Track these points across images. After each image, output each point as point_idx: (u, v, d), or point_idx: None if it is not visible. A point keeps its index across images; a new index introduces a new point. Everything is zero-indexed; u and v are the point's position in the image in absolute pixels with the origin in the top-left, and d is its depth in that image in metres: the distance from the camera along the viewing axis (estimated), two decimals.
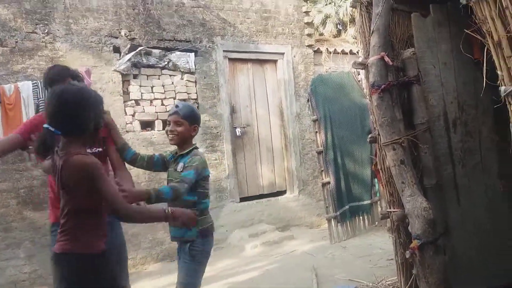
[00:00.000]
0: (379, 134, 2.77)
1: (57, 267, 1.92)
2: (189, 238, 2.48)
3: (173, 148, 2.75)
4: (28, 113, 4.47)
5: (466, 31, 2.53)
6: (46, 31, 5.24)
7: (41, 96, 4.56)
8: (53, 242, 2.25)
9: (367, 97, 5.75)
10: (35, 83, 4.61)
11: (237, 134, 6.56)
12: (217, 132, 6.36)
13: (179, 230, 2.48)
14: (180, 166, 2.54)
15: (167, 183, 2.60)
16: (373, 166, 3.15)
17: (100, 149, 2.73)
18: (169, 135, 2.62)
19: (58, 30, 5.31)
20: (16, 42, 5.06)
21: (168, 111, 5.84)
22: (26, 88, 4.54)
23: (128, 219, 1.95)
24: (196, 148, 2.64)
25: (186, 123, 2.58)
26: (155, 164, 2.74)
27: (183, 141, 2.61)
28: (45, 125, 1.83)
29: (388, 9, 2.81)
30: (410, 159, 2.68)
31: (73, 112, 1.85)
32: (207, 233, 2.55)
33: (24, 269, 4.82)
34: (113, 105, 5.56)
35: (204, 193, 2.57)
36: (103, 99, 2.06)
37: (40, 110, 4.53)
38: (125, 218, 1.93)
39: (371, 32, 2.86)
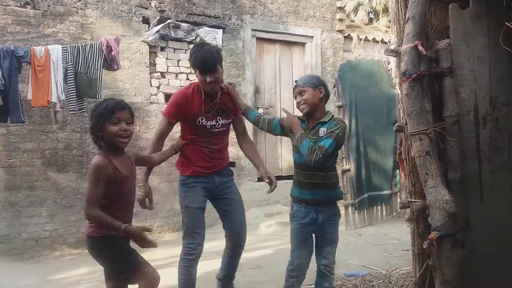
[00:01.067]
0: (406, 124, 2.73)
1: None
2: (334, 199, 2.74)
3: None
4: (56, 76, 4.55)
5: (507, 24, 2.45)
6: None
7: (69, 60, 4.63)
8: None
9: (397, 85, 5.68)
10: (65, 47, 4.67)
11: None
12: None
13: (321, 192, 2.66)
14: (323, 131, 2.59)
15: (294, 148, 2.74)
16: (397, 156, 3.12)
17: (229, 121, 3.05)
18: (300, 107, 2.68)
19: None
20: (48, 5, 5.13)
21: None
22: (56, 51, 4.61)
23: (89, 220, 2.28)
24: (333, 115, 2.70)
25: (309, 88, 2.63)
26: (274, 128, 2.85)
27: (314, 108, 2.65)
28: None
29: None
30: (435, 151, 2.64)
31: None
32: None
33: (45, 227, 4.99)
34: (139, 76, 5.62)
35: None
36: (116, 104, 2.28)
37: (68, 74, 4.60)
38: (87, 218, 2.27)
39: (406, 19, 2.80)
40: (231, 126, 3.13)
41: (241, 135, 3.17)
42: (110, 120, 2.23)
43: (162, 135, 3.00)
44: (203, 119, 2.91)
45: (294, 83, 2.75)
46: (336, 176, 2.74)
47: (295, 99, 2.72)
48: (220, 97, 2.96)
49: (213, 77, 2.79)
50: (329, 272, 2.75)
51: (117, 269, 2.37)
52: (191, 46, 6.00)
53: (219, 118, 2.95)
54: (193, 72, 6.11)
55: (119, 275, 2.38)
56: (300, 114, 2.75)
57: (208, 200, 3.06)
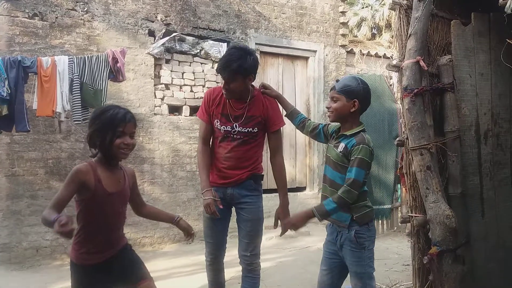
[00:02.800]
0: (407, 138, 2.76)
1: None
2: (342, 224, 2.40)
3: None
4: (62, 86, 4.59)
5: (508, 41, 2.49)
6: (85, 9, 5.36)
7: (75, 71, 4.67)
8: None
9: (399, 100, 5.71)
10: (71, 58, 4.73)
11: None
12: None
13: (338, 214, 2.39)
14: (341, 146, 2.36)
15: (326, 160, 2.53)
16: (398, 170, 3.13)
17: (256, 130, 2.74)
18: (328, 112, 2.50)
19: (97, 9, 5.43)
20: (56, 17, 5.20)
21: (196, 98, 5.95)
22: (62, 62, 4.66)
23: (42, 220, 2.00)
24: (364, 131, 2.41)
25: (343, 98, 2.39)
26: (317, 135, 2.66)
27: (341, 118, 2.43)
28: None
29: (427, 14, 2.78)
30: (436, 166, 2.66)
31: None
32: (365, 219, 2.40)
33: (46, 236, 4.98)
34: (143, 87, 5.67)
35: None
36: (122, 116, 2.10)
37: (74, 84, 4.65)
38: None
39: (408, 35, 2.84)
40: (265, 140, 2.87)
41: (271, 152, 2.87)
42: (113, 132, 2.06)
43: (203, 139, 2.83)
44: (218, 122, 2.75)
45: (335, 83, 2.50)
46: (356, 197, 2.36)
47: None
48: (249, 104, 2.73)
49: (227, 85, 2.64)
50: None
51: None
52: (196, 59, 6.09)
53: (235, 125, 2.71)
54: (198, 85, 6.19)
55: None
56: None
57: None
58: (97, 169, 2.05)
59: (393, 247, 5.38)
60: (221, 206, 2.67)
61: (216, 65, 6.15)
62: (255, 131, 2.74)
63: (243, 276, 2.89)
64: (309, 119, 2.77)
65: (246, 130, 2.71)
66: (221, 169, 2.77)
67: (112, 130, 2.05)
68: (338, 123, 2.51)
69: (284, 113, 2.83)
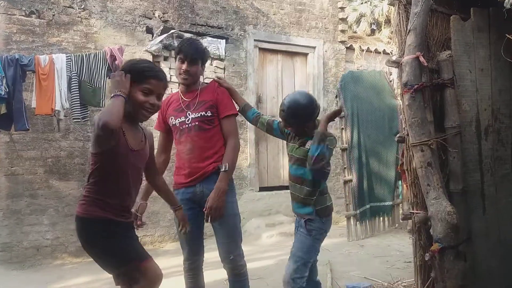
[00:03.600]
0: (407, 135, 2.74)
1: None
2: (305, 216, 2.56)
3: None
4: (60, 84, 4.58)
5: (508, 36, 2.47)
6: (82, 7, 5.34)
7: (73, 69, 4.66)
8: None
9: (398, 96, 5.70)
10: (69, 56, 4.71)
11: None
12: (242, 120, 6.37)
13: (301, 208, 2.58)
14: (309, 144, 2.48)
15: (290, 158, 2.63)
16: (398, 167, 3.12)
17: (209, 114, 2.69)
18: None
19: (94, 6, 5.40)
20: (53, 15, 5.17)
21: None
22: (60, 60, 4.65)
23: (104, 123, 1.80)
24: None
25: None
26: (273, 130, 2.79)
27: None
28: None
29: (427, 9, 2.76)
30: (437, 162, 2.64)
31: None
32: (325, 213, 2.59)
33: (46, 236, 4.98)
34: None
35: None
36: None
37: (72, 82, 4.63)
38: (102, 124, 1.80)
39: (407, 31, 2.81)
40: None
41: (224, 137, 2.72)
42: (141, 86, 1.96)
43: (160, 148, 2.87)
44: (172, 118, 2.73)
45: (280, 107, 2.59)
46: (312, 193, 2.55)
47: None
48: (201, 91, 2.73)
49: (188, 67, 2.63)
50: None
51: (113, 262, 1.98)
52: None
53: (188, 113, 2.67)
54: None
55: (115, 270, 2.00)
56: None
57: None
58: (123, 122, 1.89)
59: (395, 244, 5.38)
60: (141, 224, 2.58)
61: (215, 62, 6.14)
62: (209, 114, 2.67)
63: (230, 281, 2.76)
64: (263, 114, 2.90)
65: (199, 114, 2.65)
66: (185, 164, 2.68)
67: (140, 83, 1.97)
68: None
69: (238, 108, 2.84)
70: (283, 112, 2.54)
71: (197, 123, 2.66)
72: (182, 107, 2.71)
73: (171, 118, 2.74)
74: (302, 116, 2.52)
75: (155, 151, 2.65)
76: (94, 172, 1.99)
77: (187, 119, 2.67)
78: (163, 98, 2.26)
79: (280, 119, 2.66)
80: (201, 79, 2.89)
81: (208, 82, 2.94)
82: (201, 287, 2.88)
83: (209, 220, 2.58)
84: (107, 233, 1.95)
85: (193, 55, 2.64)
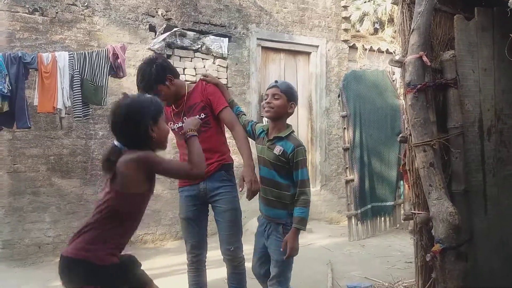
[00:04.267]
0: (410, 135, 2.73)
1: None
2: (279, 220, 2.52)
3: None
4: (63, 82, 4.58)
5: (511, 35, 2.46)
6: (85, 4, 5.34)
7: (76, 67, 4.66)
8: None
9: (401, 96, 5.68)
10: (71, 54, 4.71)
11: (264, 123, 6.56)
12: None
13: (271, 211, 2.56)
14: (278, 149, 2.50)
15: (259, 160, 2.61)
16: (401, 167, 3.11)
17: (203, 116, 2.77)
18: (265, 107, 2.57)
19: (97, 4, 5.40)
20: (57, 12, 5.17)
21: None
22: (62, 58, 4.64)
23: (199, 169, 1.99)
24: (293, 131, 2.60)
25: (284, 97, 2.54)
26: (247, 131, 2.78)
27: (278, 116, 2.56)
28: (114, 142, 1.88)
29: (430, 9, 2.75)
30: (440, 163, 2.63)
31: (133, 127, 1.85)
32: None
33: (48, 233, 4.99)
34: None
35: None
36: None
37: (75, 80, 4.63)
38: (197, 173, 1.99)
39: (411, 30, 2.80)
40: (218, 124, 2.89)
41: (229, 128, 2.85)
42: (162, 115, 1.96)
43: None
44: (171, 123, 2.85)
45: (275, 82, 2.62)
46: (288, 197, 2.53)
47: (265, 97, 2.62)
48: (189, 95, 2.82)
49: (154, 93, 2.64)
50: None
51: None
52: (197, 54, 6.05)
53: (184, 119, 2.76)
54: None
55: None
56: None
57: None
58: None
59: (396, 244, 5.37)
60: None
61: (217, 61, 6.14)
62: (203, 117, 2.75)
63: (229, 273, 2.87)
64: (244, 114, 2.89)
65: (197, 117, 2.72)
66: None
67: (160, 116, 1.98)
68: (265, 124, 2.70)
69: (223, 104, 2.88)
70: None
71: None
72: (176, 113, 2.84)
73: (170, 124, 2.84)
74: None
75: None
76: (115, 215, 1.85)
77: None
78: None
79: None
80: (185, 81, 3.02)
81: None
82: (203, 284, 2.95)
83: (249, 197, 2.64)
84: (123, 274, 1.89)
85: (149, 89, 2.66)
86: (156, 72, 2.74)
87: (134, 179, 1.82)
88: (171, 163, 1.94)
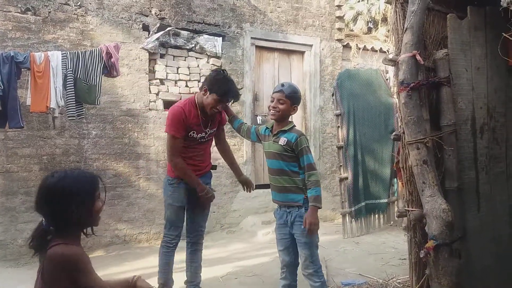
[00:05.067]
0: (403, 133, 2.74)
1: None
2: (297, 203, 2.84)
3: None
4: (56, 82, 4.55)
5: (504, 34, 2.48)
6: (78, 4, 5.31)
7: (69, 67, 4.63)
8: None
9: (395, 95, 5.71)
10: (64, 53, 4.68)
11: (258, 122, 6.58)
12: None
13: (287, 196, 2.86)
14: (283, 140, 2.84)
15: (268, 154, 2.95)
16: (394, 164, 3.14)
17: (214, 130, 3.40)
18: (271, 111, 2.89)
19: (90, 3, 5.38)
20: (49, 12, 5.14)
21: (191, 93, 5.92)
22: (55, 57, 4.61)
23: None
24: (294, 125, 2.95)
25: (288, 102, 2.86)
26: (251, 135, 3.18)
27: (282, 119, 2.90)
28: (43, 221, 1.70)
29: (423, 8, 2.76)
30: (433, 160, 2.65)
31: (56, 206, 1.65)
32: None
33: None
34: (138, 82, 5.63)
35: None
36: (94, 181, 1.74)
37: (68, 80, 4.61)
38: None
39: (404, 29, 2.82)
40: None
41: (222, 141, 3.59)
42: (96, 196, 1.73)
43: (179, 153, 3.23)
44: (194, 132, 3.24)
45: (281, 86, 2.91)
46: (300, 181, 2.85)
47: (271, 101, 2.91)
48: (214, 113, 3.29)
49: (223, 107, 3.25)
50: (308, 278, 2.86)
51: None
52: (191, 53, 6.04)
53: (207, 130, 3.30)
54: (193, 80, 6.14)
55: None
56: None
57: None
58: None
59: (390, 241, 5.40)
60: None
61: (211, 60, 6.13)
62: (216, 129, 3.41)
63: (193, 250, 3.46)
64: (245, 123, 3.31)
65: (212, 131, 3.37)
66: (196, 164, 3.33)
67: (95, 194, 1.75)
68: (269, 124, 3.04)
69: (227, 118, 3.41)
70: None
71: (210, 138, 3.40)
72: (201, 123, 3.25)
73: (193, 132, 3.24)
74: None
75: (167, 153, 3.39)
76: None
77: (206, 134, 3.32)
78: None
79: None
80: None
81: None
82: (172, 262, 3.41)
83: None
84: None
85: (232, 99, 3.28)
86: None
87: (57, 284, 1.61)
88: (100, 284, 1.67)
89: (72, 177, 1.71)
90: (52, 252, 1.61)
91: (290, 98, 2.87)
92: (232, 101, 3.29)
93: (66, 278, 1.59)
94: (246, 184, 3.55)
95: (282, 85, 2.91)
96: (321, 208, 2.80)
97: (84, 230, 1.77)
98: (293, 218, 2.83)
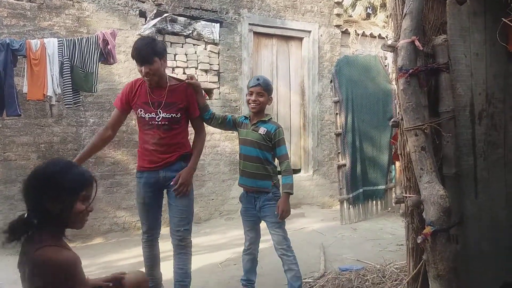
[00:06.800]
0: (402, 119, 2.74)
1: None
2: (266, 189, 3.11)
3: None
4: (52, 69, 4.52)
5: (504, 19, 2.46)
6: None
7: (65, 54, 4.60)
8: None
9: (393, 81, 5.69)
10: (61, 40, 4.65)
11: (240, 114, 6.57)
12: (236, 106, 6.36)
13: (258, 182, 3.11)
14: (262, 130, 3.10)
15: (244, 142, 3.16)
16: (393, 154, 3.16)
17: (179, 115, 3.01)
18: (252, 104, 3.13)
19: None
20: None
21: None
22: (51, 45, 4.58)
23: None
24: (271, 117, 3.21)
25: (266, 94, 3.13)
26: (227, 124, 3.26)
27: (262, 110, 3.17)
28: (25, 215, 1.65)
29: None
30: (431, 147, 2.65)
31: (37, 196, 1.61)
32: (278, 183, 3.17)
33: None
34: (135, 70, 5.54)
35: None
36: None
37: (64, 67, 4.58)
38: None
39: (403, 15, 2.79)
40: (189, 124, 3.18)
41: (197, 131, 3.21)
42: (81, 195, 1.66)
43: (109, 124, 3.12)
44: (141, 110, 3.00)
45: (257, 80, 3.13)
46: (271, 169, 3.14)
47: (250, 95, 3.13)
48: (170, 91, 3.00)
49: (148, 68, 2.86)
50: (282, 253, 3.13)
51: None
52: (188, 40, 5.99)
53: (159, 111, 2.96)
54: (191, 66, 6.10)
55: None
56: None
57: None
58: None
59: (387, 227, 5.44)
60: None
61: (209, 46, 6.09)
62: (178, 116, 3.00)
63: (175, 254, 3.04)
64: (215, 113, 3.26)
65: (170, 116, 2.97)
66: (151, 153, 3.01)
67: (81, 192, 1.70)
68: (246, 113, 3.27)
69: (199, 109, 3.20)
70: None
71: (166, 123, 2.97)
72: (150, 102, 2.98)
73: (140, 110, 3.00)
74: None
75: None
76: None
77: (157, 116, 2.96)
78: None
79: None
80: (167, 72, 3.17)
81: (173, 76, 3.20)
82: (156, 255, 3.23)
83: (177, 194, 2.96)
84: None
85: (145, 56, 2.85)
86: (157, 44, 2.95)
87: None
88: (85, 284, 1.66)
89: (61, 167, 1.66)
90: (45, 257, 1.56)
91: (267, 90, 3.13)
92: (141, 65, 2.87)
93: (60, 284, 1.57)
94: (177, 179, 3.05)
95: (258, 79, 3.15)
96: (292, 194, 3.08)
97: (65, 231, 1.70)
98: (261, 202, 3.12)
